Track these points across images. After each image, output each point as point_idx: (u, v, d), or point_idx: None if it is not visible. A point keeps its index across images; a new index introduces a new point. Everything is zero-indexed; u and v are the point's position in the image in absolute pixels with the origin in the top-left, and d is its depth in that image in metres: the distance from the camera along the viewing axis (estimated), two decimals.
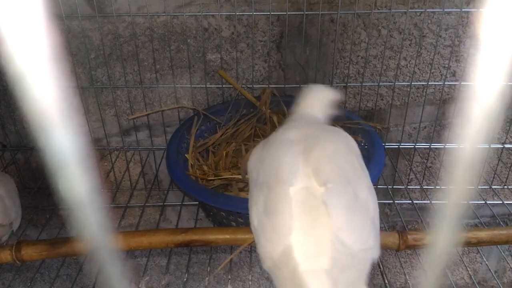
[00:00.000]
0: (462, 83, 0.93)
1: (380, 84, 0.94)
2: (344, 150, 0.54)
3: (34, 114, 0.12)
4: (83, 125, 0.94)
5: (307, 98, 0.69)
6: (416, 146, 1.00)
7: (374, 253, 0.47)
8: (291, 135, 0.56)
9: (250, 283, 0.84)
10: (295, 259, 0.43)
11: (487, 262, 0.81)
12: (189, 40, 0.90)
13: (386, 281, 0.72)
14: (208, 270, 0.76)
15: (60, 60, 0.12)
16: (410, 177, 1.05)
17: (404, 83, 0.94)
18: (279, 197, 0.48)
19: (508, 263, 1.15)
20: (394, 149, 1.01)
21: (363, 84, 0.94)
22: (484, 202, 0.95)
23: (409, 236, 0.60)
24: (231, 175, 0.76)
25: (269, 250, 0.46)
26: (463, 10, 0.85)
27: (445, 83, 0.93)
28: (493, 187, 1.00)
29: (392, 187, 1.01)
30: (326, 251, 0.44)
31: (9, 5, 0.11)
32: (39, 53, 0.12)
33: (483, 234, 0.62)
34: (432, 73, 0.93)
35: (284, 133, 0.58)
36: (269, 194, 0.49)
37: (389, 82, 0.94)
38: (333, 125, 0.71)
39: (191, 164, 0.79)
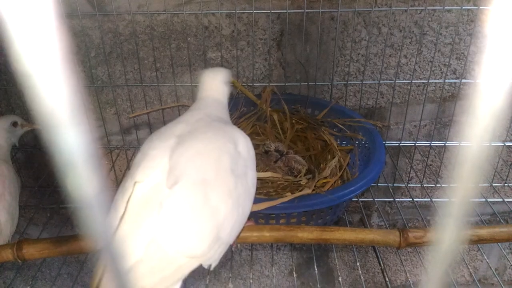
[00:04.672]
0: (462, 81, 0.93)
1: (381, 82, 0.94)
2: (216, 149, 0.51)
3: (41, 112, 0.12)
4: (84, 123, 0.94)
5: (206, 81, 0.67)
6: (416, 144, 1.01)
7: (206, 261, 0.46)
8: (174, 131, 0.54)
9: (251, 281, 0.84)
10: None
11: (487, 260, 0.81)
12: (189, 39, 0.90)
13: (387, 278, 0.72)
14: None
15: (65, 59, 0.12)
16: (411, 175, 1.05)
17: (404, 81, 0.94)
18: (124, 191, 0.47)
19: (508, 260, 1.15)
20: (395, 147, 1.01)
21: (364, 82, 0.94)
22: (484, 199, 0.95)
23: (409, 234, 0.60)
24: None
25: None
26: (463, 8, 0.85)
27: (446, 81, 0.93)
28: (493, 185, 1.00)
29: (393, 185, 1.01)
30: (138, 250, 0.43)
31: (14, 4, 0.11)
32: (45, 52, 0.12)
33: (484, 232, 0.62)
34: (433, 71, 0.93)
35: (170, 127, 0.55)
36: (122, 187, 0.49)
37: (390, 80, 0.94)
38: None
39: None
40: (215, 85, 0.66)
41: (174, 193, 0.46)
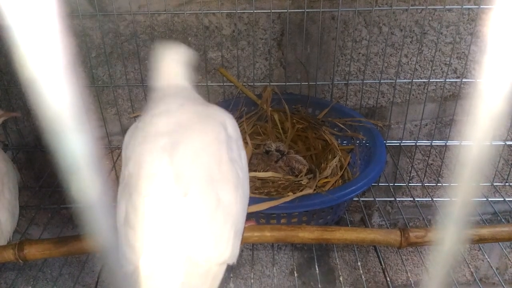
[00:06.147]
0: (463, 80, 0.93)
1: (381, 81, 0.94)
2: (213, 141, 0.49)
3: (43, 113, 0.12)
4: (85, 124, 0.94)
5: (165, 63, 0.58)
6: (417, 144, 1.00)
7: (230, 260, 0.46)
8: (159, 127, 0.50)
9: (252, 281, 0.84)
10: (141, 285, 0.42)
11: (488, 259, 0.81)
12: (190, 38, 0.90)
13: (388, 278, 0.72)
14: None
15: (67, 59, 0.12)
16: (412, 174, 1.05)
17: (405, 81, 0.94)
18: (136, 208, 0.45)
19: (509, 260, 1.15)
20: (396, 146, 1.01)
21: (364, 81, 0.94)
22: (485, 199, 0.95)
23: (410, 234, 0.60)
24: None
25: (124, 261, 0.44)
26: (464, 7, 0.85)
27: (446, 80, 0.93)
28: (494, 184, 1.00)
29: (394, 185, 1.01)
30: (178, 272, 0.42)
31: (16, 4, 0.11)
32: (47, 52, 0.12)
33: (485, 231, 0.61)
34: (433, 70, 0.93)
35: (153, 123, 0.51)
36: (129, 202, 0.46)
37: (390, 79, 0.94)
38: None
39: None
40: (176, 69, 0.58)
41: (190, 203, 0.45)
